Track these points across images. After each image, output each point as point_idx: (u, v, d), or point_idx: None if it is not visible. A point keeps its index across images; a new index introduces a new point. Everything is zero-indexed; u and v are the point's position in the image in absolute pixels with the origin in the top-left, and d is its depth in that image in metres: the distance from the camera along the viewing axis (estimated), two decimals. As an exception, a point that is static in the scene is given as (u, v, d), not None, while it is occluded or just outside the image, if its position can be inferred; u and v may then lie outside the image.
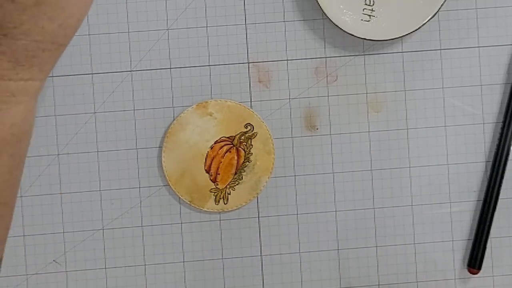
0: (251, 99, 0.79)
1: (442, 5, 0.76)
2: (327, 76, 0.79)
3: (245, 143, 0.78)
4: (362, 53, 0.79)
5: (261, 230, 0.80)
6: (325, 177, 0.79)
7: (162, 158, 0.78)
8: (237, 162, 0.78)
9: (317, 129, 0.77)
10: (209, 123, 0.78)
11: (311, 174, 0.79)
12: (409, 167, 0.79)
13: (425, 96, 0.79)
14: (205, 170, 0.78)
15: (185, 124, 0.78)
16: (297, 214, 0.80)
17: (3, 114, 0.64)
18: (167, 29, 0.78)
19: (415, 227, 0.80)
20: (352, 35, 0.77)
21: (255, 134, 0.78)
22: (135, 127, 0.79)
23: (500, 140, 0.79)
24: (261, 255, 0.80)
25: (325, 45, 0.79)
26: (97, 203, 0.79)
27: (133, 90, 0.79)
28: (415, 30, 0.77)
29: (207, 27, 0.79)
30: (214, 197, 0.78)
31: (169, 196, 0.79)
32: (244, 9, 0.79)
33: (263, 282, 0.80)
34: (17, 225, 0.78)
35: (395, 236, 0.80)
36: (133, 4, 0.78)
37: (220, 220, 0.79)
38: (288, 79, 0.79)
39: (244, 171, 0.79)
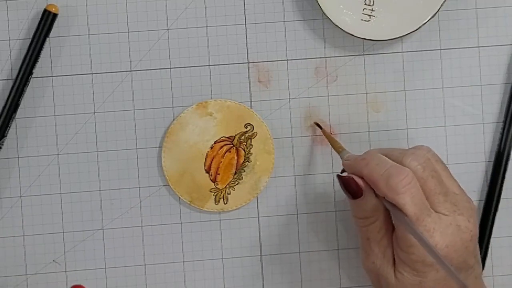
0: (251, 99, 0.79)
1: (442, 5, 0.76)
2: (327, 76, 0.79)
3: (245, 143, 0.78)
4: (362, 53, 0.79)
5: (261, 230, 0.80)
6: (324, 177, 0.79)
7: (162, 158, 0.78)
8: (237, 162, 0.78)
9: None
10: (209, 123, 0.78)
11: (311, 174, 0.79)
12: (409, 167, 0.79)
13: (425, 96, 0.79)
14: (205, 170, 0.78)
15: (185, 124, 0.78)
16: (297, 214, 0.80)
17: None
18: (167, 29, 0.78)
19: (415, 227, 0.80)
20: (352, 35, 0.77)
21: (255, 134, 0.78)
22: (135, 127, 0.79)
23: (500, 140, 0.79)
24: (261, 255, 0.79)
25: (325, 45, 0.79)
26: (97, 203, 0.79)
27: (133, 90, 0.79)
28: (415, 30, 0.77)
29: (207, 27, 0.79)
30: (214, 197, 0.78)
31: (169, 196, 0.79)
32: (244, 9, 0.79)
33: (263, 282, 0.80)
34: (17, 225, 0.78)
35: (395, 236, 0.80)
36: (133, 4, 0.78)
37: (220, 220, 0.79)
38: (288, 79, 0.79)
39: (244, 171, 0.79)
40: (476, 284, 0.71)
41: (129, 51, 0.78)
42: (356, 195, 0.70)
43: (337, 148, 0.75)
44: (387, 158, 0.69)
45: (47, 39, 0.77)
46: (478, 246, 0.72)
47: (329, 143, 0.77)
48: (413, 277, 0.69)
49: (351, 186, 0.70)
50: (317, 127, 0.78)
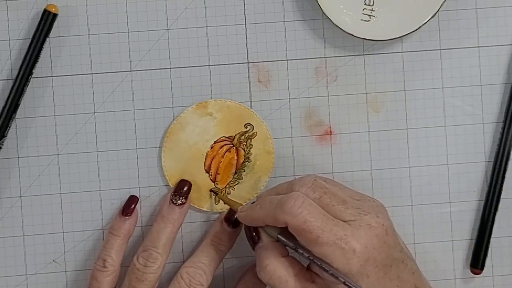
0: (251, 99, 0.79)
1: (442, 5, 0.76)
2: (327, 76, 0.79)
3: (245, 143, 0.78)
4: (362, 53, 0.79)
5: (261, 230, 0.79)
6: (325, 177, 0.79)
7: (162, 158, 0.78)
8: (237, 162, 0.78)
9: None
10: (209, 123, 0.78)
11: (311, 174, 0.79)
12: (409, 167, 0.79)
13: (425, 96, 0.79)
14: (205, 170, 0.78)
15: (185, 124, 0.78)
16: (297, 214, 0.79)
17: None
18: (167, 29, 0.78)
19: (415, 227, 0.80)
20: (352, 35, 0.77)
21: (255, 134, 0.78)
22: (135, 127, 0.79)
23: (500, 140, 0.79)
24: (261, 255, 0.79)
25: (325, 45, 0.79)
26: (97, 203, 0.79)
27: (133, 90, 0.79)
28: (415, 30, 0.77)
29: (207, 27, 0.79)
30: (214, 197, 0.78)
31: (169, 196, 0.79)
32: (244, 9, 0.79)
33: (263, 282, 0.80)
34: (17, 225, 0.78)
35: (395, 236, 0.80)
36: (133, 4, 0.78)
37: (220, 220, 0.79)
38: (288, 79, 0.79)
39: (244, 171, 0.79)
40: (415, 279, 0.71)
41: (129, 51, 0.78)
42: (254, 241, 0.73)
43: (234, 205, 0.76)
44: (278, 195, 0.71)
45: (47, 39, 0.77)
46: (401, 239, 0.72)
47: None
48: None
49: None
50: (213, 193, 0.78)
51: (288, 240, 0.71)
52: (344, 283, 0.67)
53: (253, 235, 0.73)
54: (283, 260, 0.71)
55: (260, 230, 0.73)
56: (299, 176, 0.79)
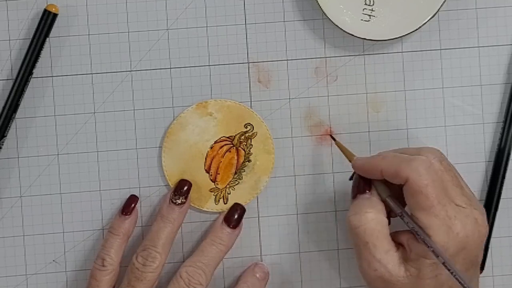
0: (251, 99, 0.79)
1: (442, 5, 0.76)
2: (327, 76, 0.79)
3: (245, 143, 0.78)
4: (362, 53, 0.79)
5: (261, 230, 0.80)
6: (324, 177, 0.79)
7: (162, 158, 0.78)
8: (237, 162, 0.78)
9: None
10: (209, 123, 0.78)
11: (311, 174, 0.79)
12: (409, 167, 0.79)
13: (425, 96, 0.79)
14: (205, 170, 0.78)
15: (185, 124, 0.78)
16: (297, 214, 0.80)
17: None
18: (167, 29, 0.78)
19: (415, 227, 0.80)
20: (352, 35, 0.77)
21: (255, 134, 0.78)
22: (135, 127, 0.79)
23: (500, 140, 0.79)
24: (261, 255, 0.79)
25: (325, 45, 0.79)
26: (97, 203, 0.79)
27: (133, 90, 0.79)
28: (415, 30, 0.77)
29: (207, 27, 0.79)
30: (214, 197, 0.78)
31: (169, 196, 0.79)
32: (244, 9, 0.79)
33: (263, 282, 0.80)
34: (17, 225, 0.78)
35: (395, 236, 0.80)
36: (133, 4, 0.78)
37: (220, 220, 0.79)
38: (288, 79, 0.79)
39: (244, 171, 0.79)
40: (477, 285, 0.72)
41: (129, 51, 0.78)
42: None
43: (349, 155, 0.75)
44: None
45: (47, 39, 0.77)
46: None
47: (340, 151, 0.77)
48: (432, 271, 0.68)
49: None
50: (332, 139, 0.78)
51: (396, 205, 0.70)
52: (438, 258, 0.67)
53: (361, 186, 0.72)
54: (383, 218, 0.71)
55: (372, 185, 0.72)
56: (299, 176, 0.79)
